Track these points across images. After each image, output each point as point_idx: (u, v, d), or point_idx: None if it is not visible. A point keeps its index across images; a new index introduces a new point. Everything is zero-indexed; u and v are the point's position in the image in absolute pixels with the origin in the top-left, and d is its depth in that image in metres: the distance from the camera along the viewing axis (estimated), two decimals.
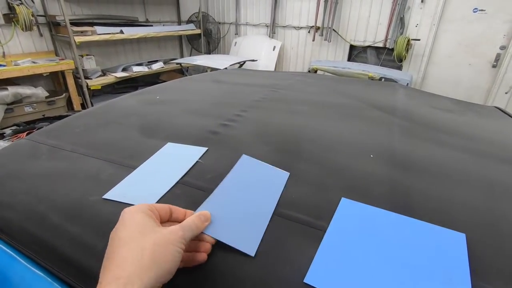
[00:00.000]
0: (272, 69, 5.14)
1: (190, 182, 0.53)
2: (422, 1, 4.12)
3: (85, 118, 0.82)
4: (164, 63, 5.04)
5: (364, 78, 3.71)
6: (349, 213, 0.43)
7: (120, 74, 4.31)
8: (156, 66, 4.84)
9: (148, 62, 4.91)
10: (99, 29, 3.91)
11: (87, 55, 4.12)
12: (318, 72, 4.07)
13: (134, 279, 0.27)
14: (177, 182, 0.53)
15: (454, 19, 4.10)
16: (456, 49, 4.24)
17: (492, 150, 0.68)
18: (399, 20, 4.31)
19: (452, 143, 0.69)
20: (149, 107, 0.89)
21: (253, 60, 4.79)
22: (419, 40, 4.29)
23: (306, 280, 0.34)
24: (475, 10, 3.96)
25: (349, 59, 5.01)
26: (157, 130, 0.73)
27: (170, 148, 0.64)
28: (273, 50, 5.32)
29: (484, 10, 3.92)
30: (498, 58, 4.00)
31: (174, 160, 0.59)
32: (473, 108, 1.00)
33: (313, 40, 5.12)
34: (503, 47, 3.94)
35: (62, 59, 3.78)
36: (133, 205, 0.46)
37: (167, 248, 0.30)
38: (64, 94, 3.79)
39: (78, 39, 3.63)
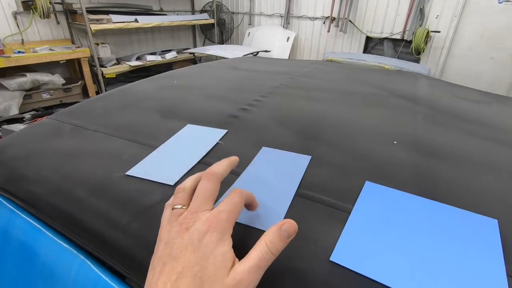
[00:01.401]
0: None
1: (210, 163, 0.53)
2: None
3: (103, 101, 0.83)
4: (177, 52, 5.05)
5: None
6: (374, 196, 0.42)
7: (134, 63, 4.35)
8: (169, 56, 4.85)
9: (162, 51, 4.93)
10: (114, 17, 3.94)
11: (102, 43, 4.17)
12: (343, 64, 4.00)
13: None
14: (198, 162, 0.53)
15: (477, 10, 3.94)
16: (478, 42, 4.08)
17: None
18: (418, 11, 4.17)
19: (479, 132, 0.66)
20: (166, 91, 0.90)
21: (266, 51, 4.74)
22: (439, 32, 4.15)
23: (332, 258, 0.33)
24: (500, 1, 3.78)
25: (364, 51, 4.90)
26: (176, 113, 0.73)
27: (190, 129, 0.64)
28: (287, 41, 5.25)
29: (510, 1, 3.74)
30: None
31: (195, 141, 0.59)
32: (501, 100, 0.97)
33: (328, 31, 5.02)
34: None
35: (78, 47, 3.84)
36: (155, 182, 0.47)
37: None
38: (80, 82, 3.85)
39: (94, 27, 3.67)
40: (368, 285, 0.31)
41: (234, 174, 0.49)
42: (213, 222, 0.29)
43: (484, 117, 0.76)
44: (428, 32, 4.06)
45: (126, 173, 0.50)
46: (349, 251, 0.34)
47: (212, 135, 0.61)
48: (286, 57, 5.17)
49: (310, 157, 0.53)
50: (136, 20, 4.22)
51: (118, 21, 4.00)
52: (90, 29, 3.61)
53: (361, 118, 0.70)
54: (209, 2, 5.71)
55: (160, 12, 5.16)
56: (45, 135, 0.65)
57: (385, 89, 0.92)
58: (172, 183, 0.47)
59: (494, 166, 0.53)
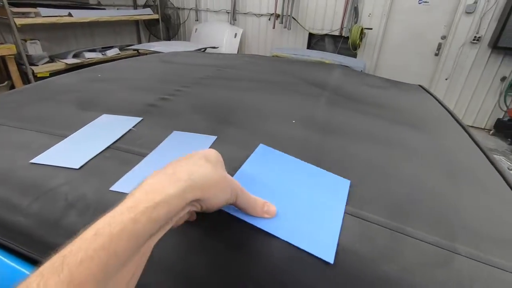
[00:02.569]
0: None
1: (121, 147, 0.56)
2: None
3: (16, 95, 0.80)
4: (120, 49, 4.80)
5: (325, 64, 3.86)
6: (261, 155, 0.49)
7: (71, 61, 4.05)
8: (111, 53, 4.60)
9: (103, 48, 4.64)
10: (43, 11, 3.61)
11: (31, 39, 3.80)
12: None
13: (198, 182, 0.30)
14: (108, 147, 0.55)
15: (402, 9, 4.38)
16: (404, 38, 4.54)
17: (403, 118, 0.79)
18: (353, 10, 4.50)
19: (370, 111, 0.78)
20: (89, 84, 0.89)
21: (214, 47, 4.74)
22: (371, 29, 4.52)
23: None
24: (420, 2, 4.25)
25: (308, 47, 5.15)
26: (95, 104, 0.74)
27: (105, 119, 0.65)
28: (235, 37, 5.30)
29: (428, 2, 4.22)
30: (439, 47, 4.36)
31: (107, 129, 0.61)
32: (398, 86, 1.12)
33: (274, 28, 5.18)
34: (443, 37, 4.30)
35: (1, 43, 3.45)
36: (60, 167, 0.49)
37: (225, 186, 0.34)
38: (6, 82, 3.48)
39: (19, 21, 3.33)
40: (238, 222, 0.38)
41: (140, 155, 0.53)
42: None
43: (378, 99, 0.89)
44: (362, 29, 4.42)
45: (31, 161, 0.51)
46: None
47: (126, 123, 0.64)
48: (235, 53, 5.22)
49: (215, 137, 0.59)
50: (70, 14, 3.92)
51: (48, 15, 3.68)
52: (15, 23, 3.28)
53: (272, 103, 0.78)
54: None
55: (98, 6, 4.85)
56: None
57: (301, 78, 1.01)
58: (77, 167, 0.49)
59: (370, 138, 0.64)
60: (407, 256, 0.39)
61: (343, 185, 0.47)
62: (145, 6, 5.60)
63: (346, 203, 0.44)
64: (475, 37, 4.01)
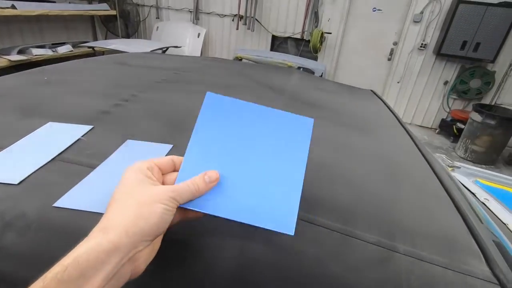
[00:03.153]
0: (198, 56, 5.04)
1: (68, 158, 0.53)
2: None
3: None
4: (73, 46, 4.49)
5: (283, 67, 3.94)
6: (211, 112, 0.45)
7: (16, 57, 3.70)
8: (63, 50, 4.28)
9: (53, 44, 4.31)
10: None
11: None
12: (243, 60, 4.16)
13: (117, 229, 0.29)
14: (53, 159, 0.52)
15: (358, 16, 4.63)
16: (360, 43, 4.81)
17: (352, 122, 0.84)
18: (313, 14, 4.67)
19: (322, 116, 0.82)
20: (34, 88, 0.82)
21: (176, 47, 4.62)
22: (330, 33, 4.72)
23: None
24: (374, 9, 4.54)
25: (271, 49, 5.24)
26: (40, 111, 0.69)
27: (50, 127, 0.61)
28: (198, 37, 5.22)
29: (381, 10, 4.52)
30: (392, 52, 4.69)
31: (53, 139, 0.57)
32: (351, 91, 1.19)
33: (237, 29, 5.19)
34: (395, 43, 4.63)
35: None
36: None
37: (152, 206, 0.32)
38: None
39: None
40: None
41: (90, 167, 0.50)
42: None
43: (332, 104, 0.94)
44: (322, 33, 4.60)
45: None
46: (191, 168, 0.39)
47: (74, 132, 0.60)
48: (198, 53, 5.14)
49: (171, 145, 0.58)
50: (13, 6, 3.58)
51: None
52: None
53: None
54: None
55: None
56: None
57: (261, 83, 1.03)
58: (16, 182, 0.45)
59: (322, 141, 0.67)
60: (352, 256, 0.42)
61: (305, 126, 0.44)
62: (101, 1, 5.30)
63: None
64: (422, 44, 4.38)
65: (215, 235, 0.42)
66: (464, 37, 3.98)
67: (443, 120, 4.71)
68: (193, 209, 0.37)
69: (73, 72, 1.02)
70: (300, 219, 0.45)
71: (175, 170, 0.40)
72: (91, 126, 0.63)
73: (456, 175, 1.51)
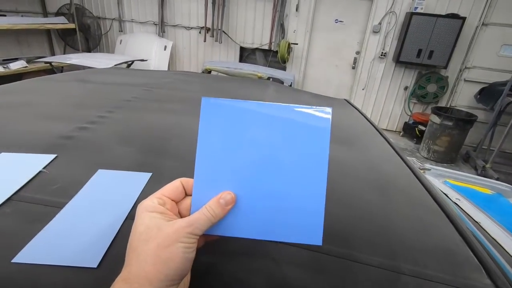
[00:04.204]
0: (165, 69, 4.92)
1: (27, 197, 0.45)
2: (296, 10, 4.67)
3: None
4: (28, 62, 4.18)
5: (254, 78, 3.96)
6: (211, 120, 0.37)
7: None
8: (16, 66, 3.97)
9: (4, 60, 3.98)
10: None
11: None
12: (212, 72, 4.12)
13: (141, 280, 0.27)
14: (8, 199, 0.44)
15: (321, 27, 4.82)
16: (326, 53, 4.99)
17: (335, 134, 0.83)
18: (280, 26, 4.78)
19: None
20: None
21: (142, 60, 4.48)
22: (297, 44, 4.85)
23: None
24: (336, 21, 4.74)
25: (240, 60, 5.26)
26: None
27: (3, 159, 0.53)
28: (165, 49, 5.11)
29: (343, 21, 4.73)
30: (355, 61, 4.91)
31: (8, 173, 0.49)
32: (326, 101, 1.20)
33: (205, 41, 5.16)
34: (358, 52, 4.86)
35: None
36: None
37: (172, 248, 0.29)
38: None
39: None
40: None
41: (56, 206, 0.43)
42: None
43: None
44: (289, 44, 4.71)
45: None
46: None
47: (34, 163, 0.52)
48: (165, 66, 5.02)
49: (150, 174, 0.52)
50: None
51: None
52: None
53: None
54: (66, 4, 4.97)
55: None
56: None
57: (236, 97, 1.00)
58: None
59: None
60: (358, 283, 0.39)
61: (323, 123, 0.37)
62: (57, 14, 5.02)
63: None
64: (382, 52, 4.64)
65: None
66: (419, 46, 4.28)
67: (406, 123, 4.99)
68: (215, 234, 0.34)
69: (29, 92, 0.92)
70: (298, 246, 0.42)
71: (187, 194, 0.37)
72: (54, 155, 0.55)
73: (428, 177, 1.58)
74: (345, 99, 1.37)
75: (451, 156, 4.25)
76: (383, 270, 0.41)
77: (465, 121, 3.99)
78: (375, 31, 4.56)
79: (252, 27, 4.96)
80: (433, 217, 0.57)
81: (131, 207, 0.44)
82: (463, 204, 1.32)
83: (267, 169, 0.35)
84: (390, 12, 4.42)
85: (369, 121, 1.07)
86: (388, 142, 0.91)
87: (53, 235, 0.38)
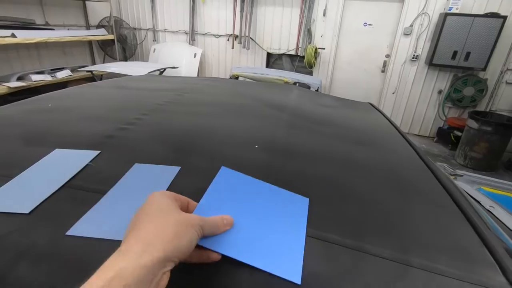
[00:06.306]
0: (195, 75, 5.12)
1: (77, 185, 0.53)
2: (324, 15, 4.67)
3: None
4: (72, 71, 4.56)
5: (280, 83, 4.01)
6: (223, 179, 0.50)
7: (15, 84, 3.74)
8: (62, 75, 4.34)
9: (52, 69, 4.37)
10: None
11: None
12: (240, 78, 4.23)
13: (156, 244, 0.30)
14: (62, 186, 0.52)
15: (350, 31, 4.76)
16: (354, 57, 4.91)
17: (355, 136, 0.85)
18: (306, 31, 4.79)
19: (325, 132, 0.83)
20: (38, 115, 0.83)
21: (173, 67, 4.70)
22: (324, 49, 4.83)
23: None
24: (365, 24, 4.67)
25: (267, 66, 5.33)
26: (45, 139, 0.69)
27: (58, 154, 0.62)
28: (194, 57, 5.32)
29: (372, 25, 4.65)
30: (385, 64, 4.78)
31: (61, 165, 0.58)
32: (350, 104, 1.21)
33: (233, 48, 5.30)
34: (387, 55, 4.73)
35: None
36: (8, 213, 0.45)
37: (187, 228, 0.33)
38: None
39: None
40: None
41: (100, 193, 0.51)
42: None
43: (334, 119, 0.96)
44: (316, 49, 4.71)
45: None
46: None
47: (82, 157, 0.61)
48: (195, 73, 5.22)
49: (179, 168, 0.58)
50: (13, 35, 3.66)
51: None
52: None
53: (233, 128, 0.80)
54: (106, 17, 5.36)
55: (46, 27, 4.59)
56: None
57: (261, 101, 1.05)
58: (27, 211, 0.45)
59: (327, 157, 0.68)
60: (368, 273, 0.42)
61: (302, 203, 0.50)
62: (98, 26, 5.43)
63: (308, 224, 0.46)
64: (414, 55, 4.48)
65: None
66: (454, 47, 4.08)
67: (440, 129, 4.75)
68: (209, 248, 0.38)
69: (74, 98, 1.03)
70: (310, 236, 0.45)
71: (187, 211, 0.42)
72: (98, 151, 0.63)
73: (459, 183, 1.52)
74: (369, 103, 1.37)
75: (491, 163, 3.97)
76: (392, 262, 0.43)
77: (507, 126, 3.72)
78: (406, 33, 4.42)
79: (279, 33, 5.02)
80: (451, 218, 0.57)
81: None
82: (497, 211, 1.26)
83: (257, 218, 0.45)
84: (422, 13, 4.27)
85: (392, 124, 1.07)
86: (411, 145, 0.90)
87: (97, 215, 0.45)
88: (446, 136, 4.58)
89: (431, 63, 4.29)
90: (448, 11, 4.00)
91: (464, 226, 0.56)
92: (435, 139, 4.84)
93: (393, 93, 4.81)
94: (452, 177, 1.57)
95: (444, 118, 4.74)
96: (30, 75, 3.97)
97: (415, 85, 4.69)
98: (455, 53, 4.11)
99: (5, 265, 0.39)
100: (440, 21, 4.12)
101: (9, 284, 0.37)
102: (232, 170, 0.52)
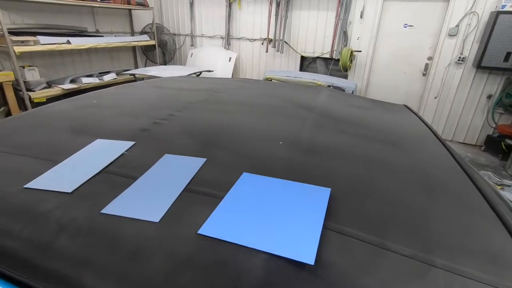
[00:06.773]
0: None
1: (113, 171, 0.58)
2: (361, 17, 4.54)
3: (13, 121, 0.82)
4: (117, 74, 4.91)
5: (313, 85, 3.96)
6: (245, 183, 0.52)
7: (68, 86, 4.12)
8: (108, 78, 4.69)
9: (100, 73, 4.75)
10: (42, 39, 3.73)
11: (29, 66, 3.89)
12: (273, 81, 4.26)
13: None
14: (101, 171, 0.57)
15: (389, 33, 4.58)
16: (392, 60, 4.71)
17: (384, 137, 0.82)
18: (342, 34, 4.70)
19: (353, 132, 0.82)
20: (83, 110, 0.92)
21: (209, 71, 4.86)
22: (360, 51, 4.69)
23: (200, 232, 0.41)
24: (405, 26, 4.46)
25: (301, 69, 5.30)
26: (88, 130, 0.77)
27: (99, 143, 0.68)
28: (229, 61, 5.46)
29: (413, 26, 4.43)
30: (426, 67, 4.52)
31: (101, 153, 0.64)
32: (383, 106, 1.17)
33: (267, 52, 5.35)
34: (430, 58, 4.47)
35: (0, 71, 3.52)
36: (54, 191, 0.51)
37: None
38: (2, 108, 3.52)
39: (18, 49, 3.42)
40: (226, 247, 0.39)
41: (132, 178, 0.55)
42: None
43: (363, 120, 0.93)
44: (352, 52, 4.59)
45: (24, 186, 0.52)
46: (215, 226, 0.42)
47: (119, 147, 0.66)
48: (229, 76, 5.36)
49: (204, 159, 0.61)
50: (68, 42, 4.04)
51: (47, 43, 3.79)
52: (14, 51, 3.37)
53: (259, 125, 0.82)
54: (149, 24, 5.71)
55: (96, 34, 5.01)
56: None
57: (289, 101, 1.06)
58: (70, 191, 0.51)
59: (349, 155, 0.67)
60: (385, 269, 0.41)
61: (323, 192, 0.51)
62: (142, 32, 5.80)
63: (329, 218, 0.46)
64: (460, 57, 4.18)
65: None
66: (507, 48, 3.74)
67: (489, 137, 4.36)
68: (224, 239, 0.41)
69: (116, 96, 1.12)
70: (329, 229, 0.45)
71: None
72: (133, 142, 0.68)
73: (507, 194, 1.39)
74: (404, 105, 1.31)
75: None
76: (414, 260, 0.42)
77: None
78: (452, 34, 4.14)
79: (314, 36, 4.98)
80: (484, 222, 0.54)
81: (187, 182, 0.53)
82: None
83: (276, 209, 0.47)
84: (471, 12, 3.98)
85: (426, 125, 1.02)
86: (447, 148, 0.85)
87: (129, 197, 0.49)
88: (496, 144, 4.19)
89: (480, 66, 3.96)
90: (501, 9, 3.69)
91: (499, 232, 0.52)
92: (482, 147, 4.45)
93: (435, 98, 4.52)
94: (498, 187, 1.44)
95: (494, 125, 4.35)
96: (81, 78, 4.36)
97: (460, 89, 4.37)
98: (508, 54, 3.76)
99: (50, 236, 0.44)
100: (491, 20, 3.81)
101: (52, 252, 0.42)
102: (253, 174, 0.55)
